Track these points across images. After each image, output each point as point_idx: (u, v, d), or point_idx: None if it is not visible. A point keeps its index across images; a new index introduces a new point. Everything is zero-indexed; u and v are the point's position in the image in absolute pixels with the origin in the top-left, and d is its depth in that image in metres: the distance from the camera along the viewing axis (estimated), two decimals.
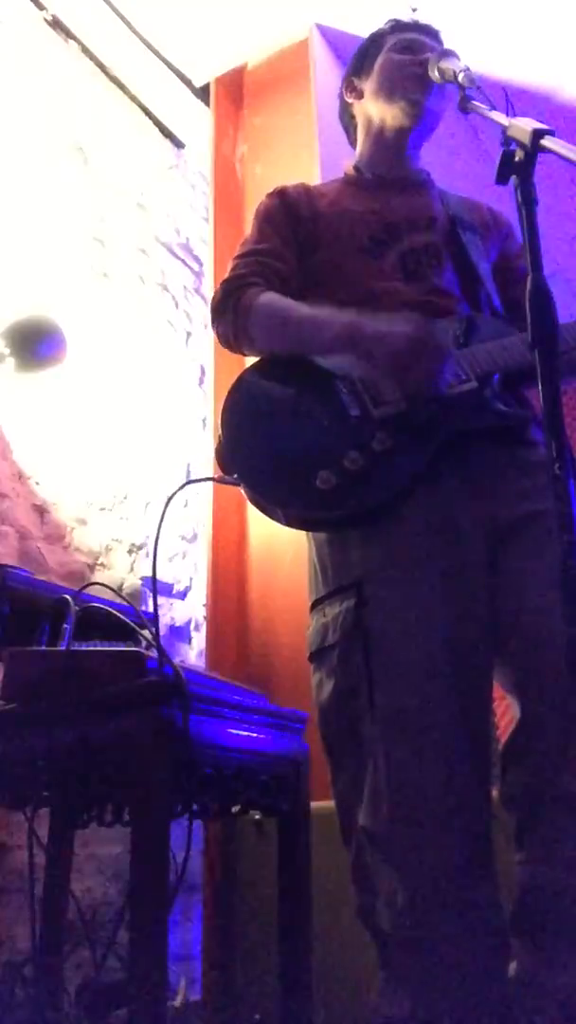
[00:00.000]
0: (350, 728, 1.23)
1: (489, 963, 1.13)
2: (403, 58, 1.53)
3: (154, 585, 1.39)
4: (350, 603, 1.26)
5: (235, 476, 1.32)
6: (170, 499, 1.38)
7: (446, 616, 1.22)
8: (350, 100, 1.65)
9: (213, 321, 1.50)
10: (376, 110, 1.58)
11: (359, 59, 1.63)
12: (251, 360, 1.51)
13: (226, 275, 1.52)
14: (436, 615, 1.22)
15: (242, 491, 1.33)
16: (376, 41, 1.61)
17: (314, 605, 1.35)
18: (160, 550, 2.96)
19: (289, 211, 1.54)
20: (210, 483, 2.85)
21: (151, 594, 2.84)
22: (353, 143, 1.69)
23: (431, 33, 1.58)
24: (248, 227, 1.61)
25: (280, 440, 1.32)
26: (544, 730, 1.18)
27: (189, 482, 1.43)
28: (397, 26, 1.60)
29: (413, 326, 1.30)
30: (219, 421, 1.36)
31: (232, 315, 1.45)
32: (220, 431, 1.35)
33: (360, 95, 1.62)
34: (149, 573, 2.88)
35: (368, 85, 1.59)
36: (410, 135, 1.57)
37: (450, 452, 1.30)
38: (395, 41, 1.57)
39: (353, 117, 1.67)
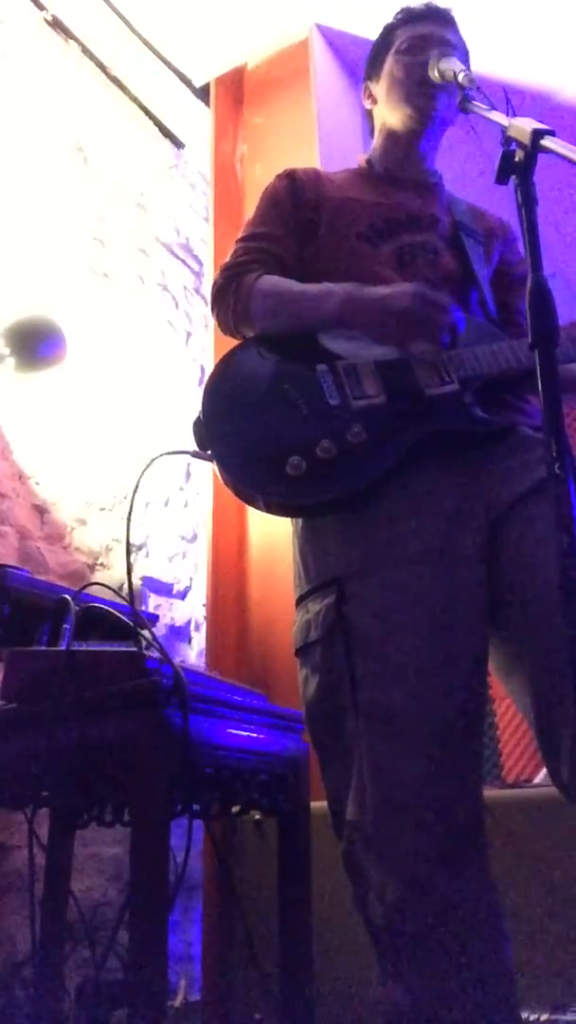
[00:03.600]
0: (335, 723, 1.23)
1: (478, 957, 1.12)
2: (408, 60, 1.52)
3: (129, 555, 1.39)
4: (330, 600, 1.26)
5: (208, 452, 1.31)
6: (146, 468, 1.40)
7: (433, 607, 1.21)
8: (368, 106, 1.66)
9: (213, 307, 1.51)
10: (388, 114, 1.59)
11: (371, 62, 1.64)
12: None
13: (227, 260, 1.52)
14: (421, 607, 1.21)
15: (215, 471, 1.33)
16: (385, 39, 1.60)
17: (298, 601, 1.35)
18: (162, 550, 2.96)
19: (295, 193, 1.55)
20: (211, 482, 2.85)
21: (151, 594, 2.84)
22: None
23: (441, 19, 1.56)
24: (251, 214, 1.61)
25: (255, 422, 1.31)
26: (563, 702, 1.16)
27: (163, 455, 1.44)
28: (407, 18, 1.58)
29: (413, 287, 1.31)
30: (201, 395, 1.36)
31: (233, 299, 1.46)
32: (200, 405, 1.35)
33: (375, 101, 1.63)
34: (149, 573, 2.89)
35: (380, 90, 1.60)
36: (421, 138, 1.57)
37: (436, 444, 1.29)
38: (402, 40, 1.56)
39: (373, 119, 1.67)
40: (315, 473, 1.24)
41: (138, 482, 1.39)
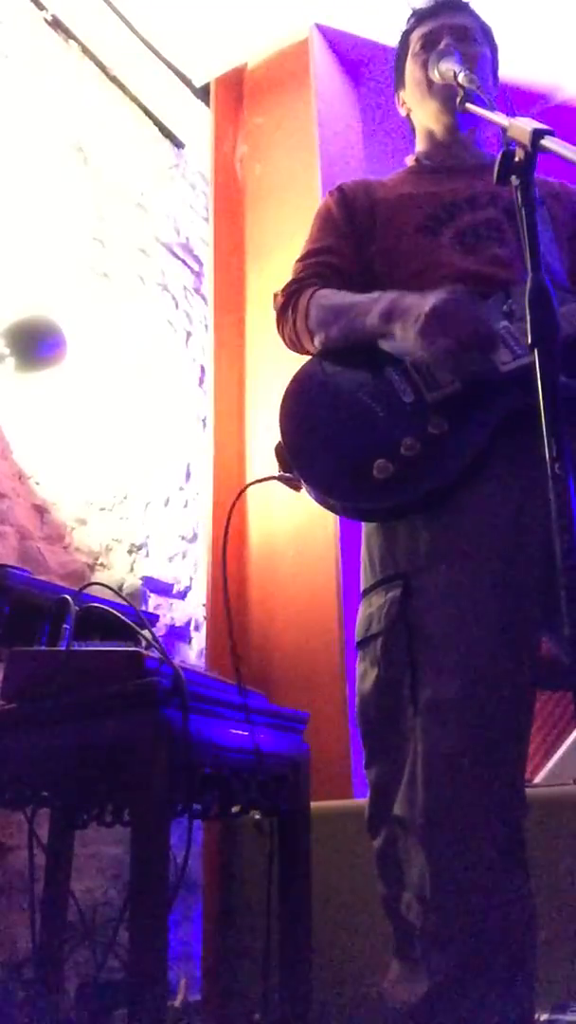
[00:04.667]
0: (390, 718, 1.23)
1: (515, 957, 1.13)
2: (421, 60, 1.54)
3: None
4: (395, 594, 1.26)
5: (294, 473, 1.32)
6: (238, 496, 1.40)
7: (497, 608, 1.21)
8: (404, 114, 1.69)
9: (278, 326, 1.53)
10: (421, 115, 1.62)
11: (397, 71, 1.66)
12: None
13: (287, 280, 1.54)
14: (486, 607, 1.21)
15: (304, 489, 1.33)
16: (403, 46, 1.63)
17: (363, 595, 1.36)
18: (162, 550, 2.97)
19: (346, 204, 1.55)
20: (210, 482, 2.85)
21: (151, 594, 2.84)
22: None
23: (450, 7, 1.57)
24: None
25: (337, 435, 1.32)
26: None
27: (253, 483, 1.45)
28: (418, 18, 1.60)
29: (438, 295, 1.29)
30: (278, 418, 1.36)
31: (293, 317, 1.47)
32: (280, 428, 1.35)
33: (409, 108, 1.65)
34: (149, 573, 2.89)
35: (409, 97, 1.63)
36: (457, 124, 1.56)
37: (506, 436, 1.27)
38: (416, 40, 1.58)
39: (413, 125, 1.68)
40: (403, 472, 1.24)
41: (229, 514, 1.39)
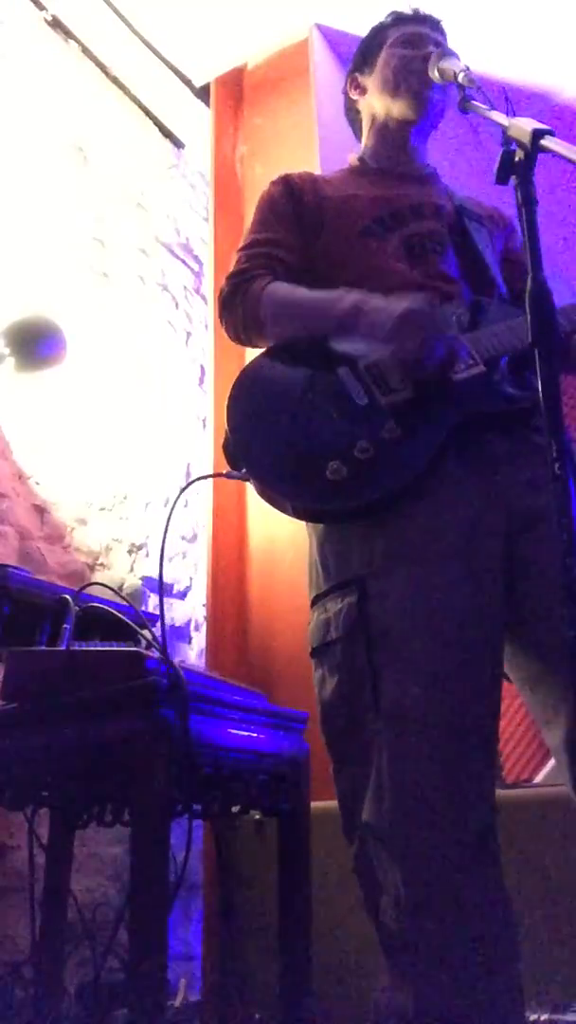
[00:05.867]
0: (353, 724, 1.23)
1: (494, 961, 1.12)
2: (405, 52, 1.53)
3: (160, 587, 1.39)
4: (352, 598, 1.25)
5: (242, 471, 1.31)
6: (176, 498, 1.39)
7: (455, 607, 1.21)
8: (355, 96, 1.66)
9: (222, 316, 1.50)
10: (380, 105, 1.59)
11: (361, 55, 1.64)
12: (252, 356, 1.51)
13: (231, 269, 1.52)
14: (445, 609, 1.21)
15: (251, 485, 1.32)
16: (378, 36, 1.61)
17: (314, 601, 1.34)
18: (159, 548, 2.96)
19: (293, 196, 1.54)
20: (210, 482, 2.85)
21: (151, 594, 2.84)
22: (359, 138, 1.70)
23: (432, 23, 1.58)
24: (250, 218, 1.61)
25: (288, 433, 1.31)
26: None
27: (194, 480, 1.44)
28: (399, 19, 1.60)
29: (409, 301, 1.29)
30: (225, 416, 1.35)
31: (241, 307, 1.45)
32: (227, 426, 1.34)
33: (364, 91, 1.63)
34: (149, 573, 2.88)
35: (371, 81, 1.60)
36: (414, 128, 1.57)
37: (460, 441, 1.29)
38: (397, 35, 1.57)
39: (358, 113, 1.67)
40: (357, 475, 1.24)
41: (169, 515, 1.39)
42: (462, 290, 1.44)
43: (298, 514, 1.29)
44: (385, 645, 1.21)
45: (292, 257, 1.50)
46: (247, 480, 1.31)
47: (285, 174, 1.60)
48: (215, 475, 1.44)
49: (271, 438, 1.31)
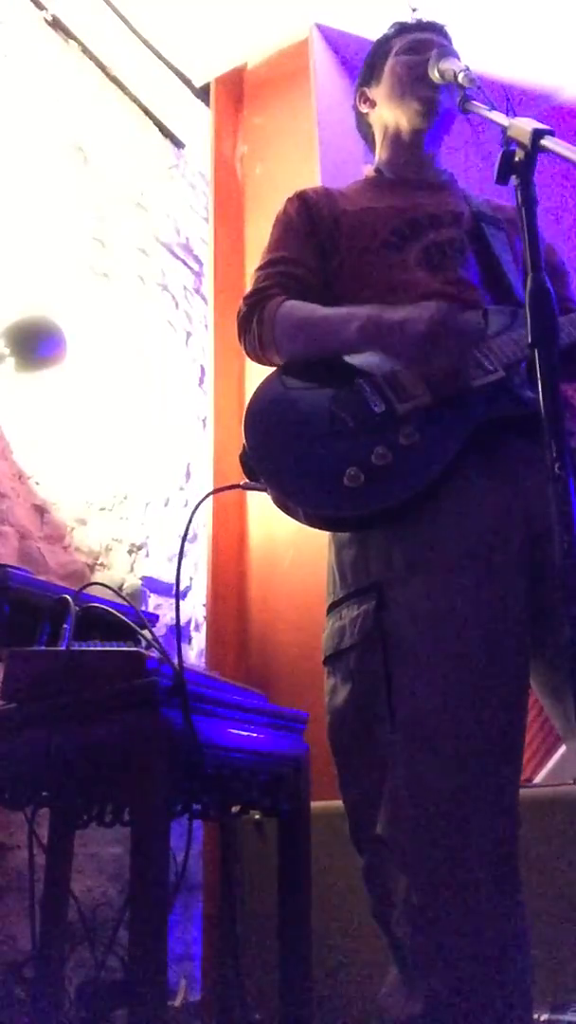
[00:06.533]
0: (366, 733, 1.20)
1: (509, 974, 1.11)
2: (410, 59, 1.53)
3: (176, 591, 1.39)
4: (369, 606, 1.23)
5: (261, 481, 1.30)
6: (197, 507, 1.39)
7: (476, 615, 1.19)
8: (365, 110, 1.65)
9: (240, 336, 1.50)
10: (391, 115, 1.58)
11: (368, 68, 1.64)
12: (253, 362, 1.51)
13: (248, 289, 1.52)
14: (465, 617, 1.19)
15: (268, 495, 1.32)
16: (382, 47, 1.61)
17: (330, 608, 1.32)
18: (162, 550, 2.96)
19: (309, 213, 1.53)
20: (210, 482, 2.86)
21: (151, 594, 2.84)
22: (372, 151, 1.69)
23: (436, 30, 1.58)
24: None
25: (306, 442, 1.30)
26: None
27: (217, 491, 1.43)
28: (402, 28, 1.60)
29: (433, 310, 1.28)
30: (242, 428, 1.34)
31: (257, 327, 1.45)
32: (245, 438, 1.33)
33: (373, 104, 1.62)
34: (149, 573, 2.89)
35: (379, 92, 1.60)
36: (426, 135, 1.56)
37: (479, 448, 1.28)
38: (401, 44, 1.57)
39: (370, 126, 1.67)
40: (374, 482, 1.23)
41: (188, 523, 1.39)
42: (482, 297, 1.43)
43: (313, 522, 1.27)
44: (402, 654, 1.19)
45: (309, 275, 1.49)
46: (264, 490, 1.30)
47: (300, 191, 1.59)
48: (232, 487, 1.43)
49: (289, 448, 1.30)
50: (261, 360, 1.49)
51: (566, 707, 1.23)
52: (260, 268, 1.54)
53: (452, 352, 1.29)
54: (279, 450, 1.31)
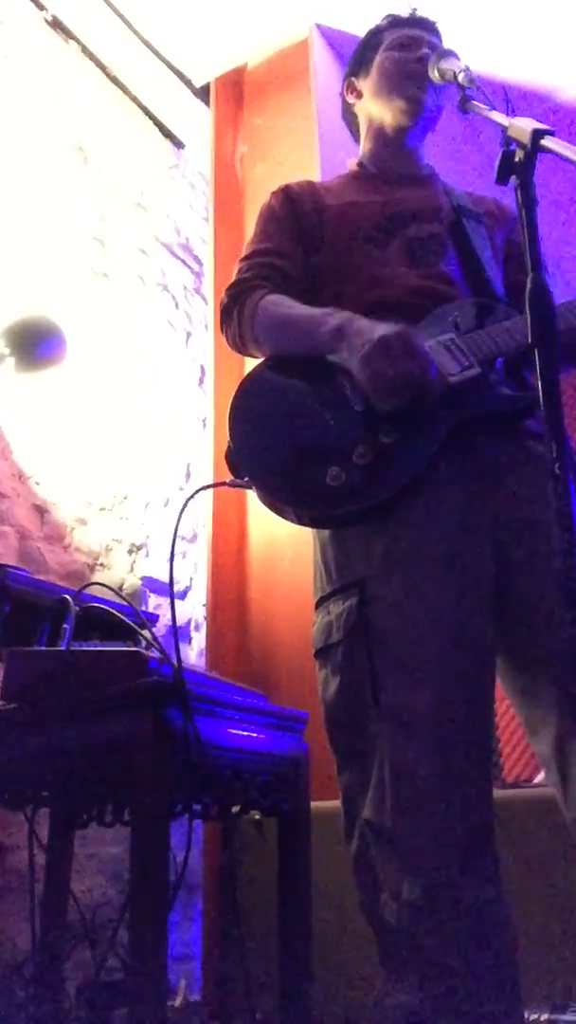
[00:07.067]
0: (355, 724, 1.24)
1: (492, 957, 1.13)
2: (400, 56, 1.54)
3: (171, 589, 1.39)
4: (353, 601, 1.26)
5: (245, 479, 1.31)
6: (184, 506, 1.39)
7: (452, 612, 1.22)
8: (351, 100, 1.67)
9: (222, 326, 1.52)
10: (376, 109, 1.60)
11: (357, 59, 1.65)
12: (253, 361, 1.51)
13: (231, 280, 1.52)
14: (441, 611, 1.22)
15: (254, 492, 1.33)
16: (373, 39, 1.62)
17: (318, 603, 1.35)
18: (162, 550, 2.96)
19: (293, 207, 1.55)
20: (210, 483, 2.85)
21: (151, 594, 2.84)
22: (357, 140, 1.70)
23: (427, 26, 1.59)
24: (248, 227, 1.61)
25: (288, 440, 1.32)
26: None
27: (199, 490, 1.43)
28: (394, 22, 1.61)
29: (390, 328, 1.28)
30: (227, 425, 1.36)
31: (238, 319, 1.47)
32: (228, 435, 1.35)
33: (360, 95, 1.63)
34: (149, 573, 2.89)
35: (367, 84, 1.61)
36: (409, 132, 1.58)
37: (457, 445, 1.29)
38: (392, 38, 1.58)
39: (355, 116, 1.68)
40: (357, 480, 1.25)
41: (177, 523, 1.39)
42: (462, 291, 1.44)
43: (302, 521, 1.30)
44: (384, 647, 1.22)
45: (292, 267, 1.51)
46: (250, 488, 1.32)
47: (285, 184, 1.61)
48: (218, 484, 1.44)
49: (271, 447, 1.32)
50: (241, 351, 1.51)
51: (533, 707, 1.26)
52: (243, 259, 1.55)
53: (398, 370, 1.27)
54: (262, 449, 1.33)
